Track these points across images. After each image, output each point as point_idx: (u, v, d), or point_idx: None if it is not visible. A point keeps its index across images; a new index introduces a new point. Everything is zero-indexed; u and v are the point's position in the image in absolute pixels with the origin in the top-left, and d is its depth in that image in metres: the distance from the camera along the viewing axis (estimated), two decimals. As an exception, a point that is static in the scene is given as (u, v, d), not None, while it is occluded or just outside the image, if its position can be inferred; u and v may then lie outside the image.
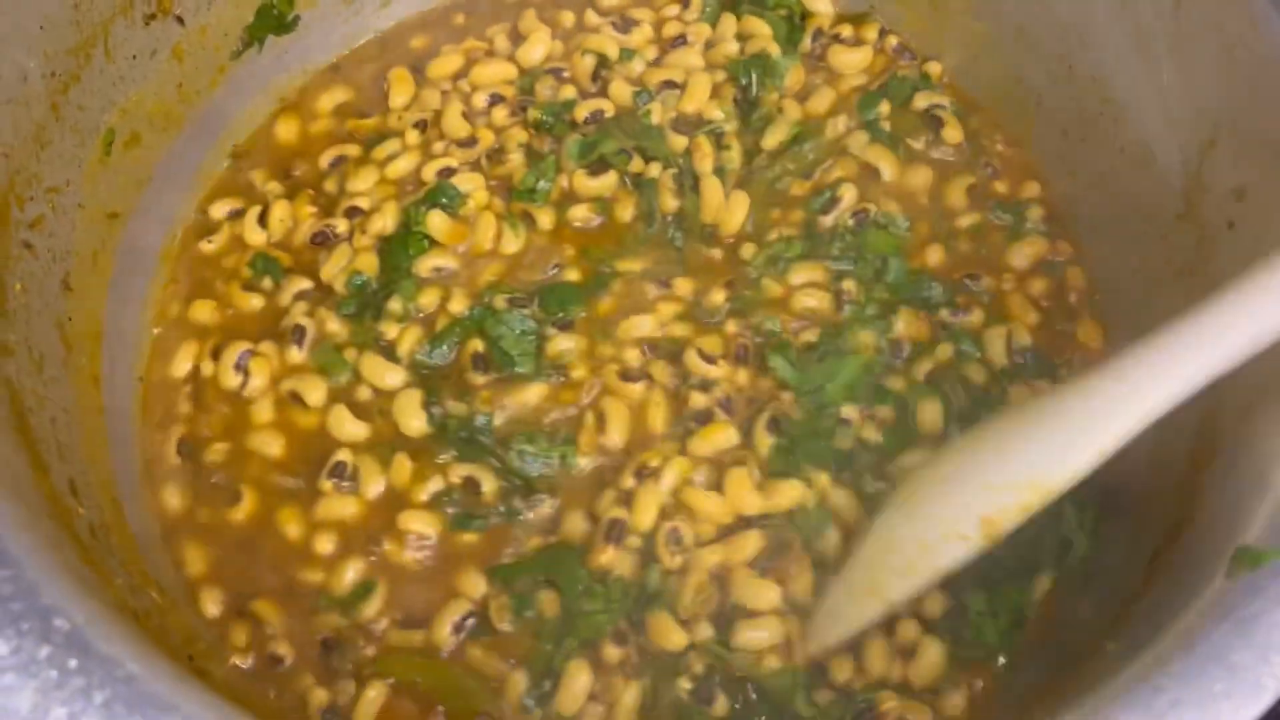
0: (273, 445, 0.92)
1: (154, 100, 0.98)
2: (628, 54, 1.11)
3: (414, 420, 0.92)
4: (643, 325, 0.97)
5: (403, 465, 0.90)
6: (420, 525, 0.88)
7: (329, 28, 1.13)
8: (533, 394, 0.94)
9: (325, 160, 1.06)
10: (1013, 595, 0.88)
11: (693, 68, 1.10)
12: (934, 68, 1.11)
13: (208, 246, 1.03)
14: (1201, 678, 0.60)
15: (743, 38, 1.12)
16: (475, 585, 0.86)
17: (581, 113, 1.06)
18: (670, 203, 1.02)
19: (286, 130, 1.10)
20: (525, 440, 0.91)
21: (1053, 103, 1.04)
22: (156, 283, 1.01)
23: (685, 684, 0.83)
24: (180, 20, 0.99)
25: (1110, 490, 0.92)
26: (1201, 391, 0.71)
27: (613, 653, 0.83)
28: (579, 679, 0.82)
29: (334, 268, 0.99)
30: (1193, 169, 0.89)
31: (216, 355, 0.96)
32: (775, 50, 1.11)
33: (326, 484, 0.90)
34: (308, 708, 0.82)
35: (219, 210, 1.05)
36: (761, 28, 1.12)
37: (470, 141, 1.06)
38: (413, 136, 1.07)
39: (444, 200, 1.01)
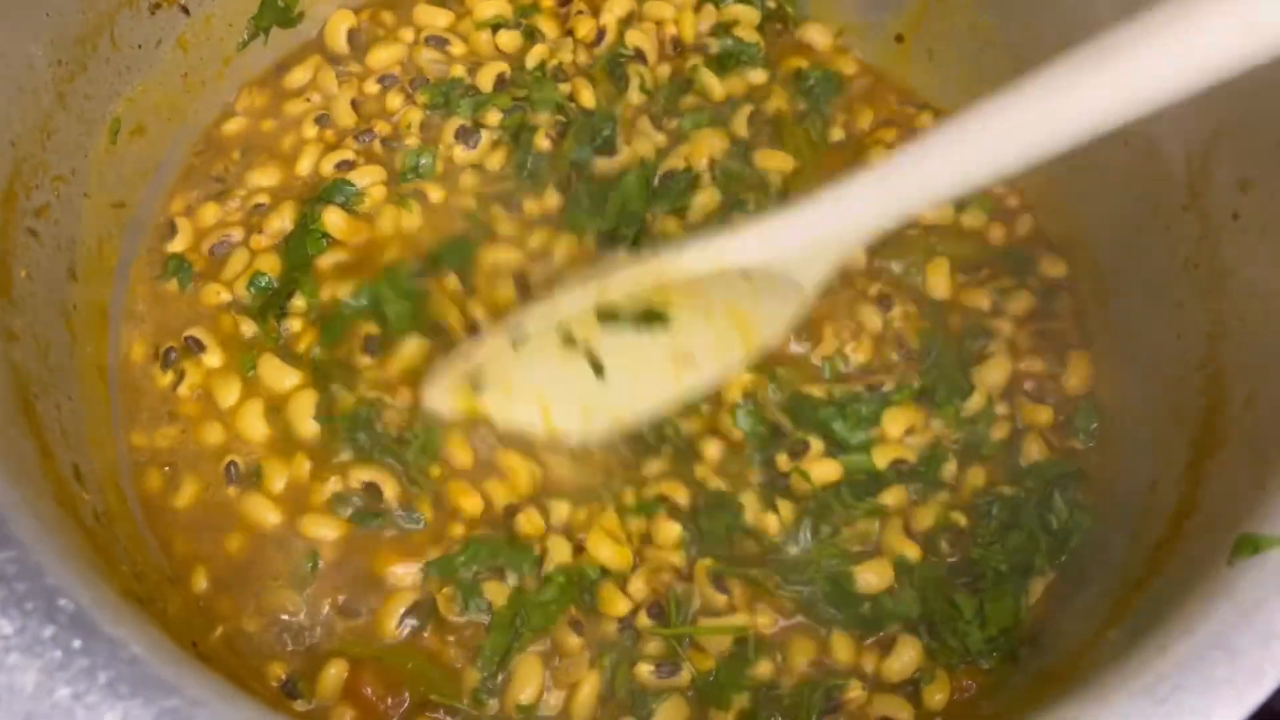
0: (213, 434, 0.92)
1: (159, 90, 0.99)
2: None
3: (304, 423, 0.91)
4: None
5: (301, 465, 0.90)
6: (321, 529, 0.88)
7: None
8: (413, 349, 0.94)
9: (236, 154, 1.06)
10: (1006, 603, 0.88)
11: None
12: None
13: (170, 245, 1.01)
14: (1203, 663, 0.60)
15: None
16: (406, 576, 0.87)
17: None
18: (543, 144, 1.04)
19: (233, 123, 1.08)
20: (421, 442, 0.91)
21: (1057, 95, 1.04)
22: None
23: (646, 667, 0.84)
24: (185, 10, 0.99)
25: (1111, 479, 0.92)
26: (1206, 378, 0.71)
27: (571, 641, 0.84)
28: (533, 671, 0.83)
29: (232, 271, 0.98)
30: (1197, 161, 0.89)
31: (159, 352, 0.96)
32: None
33: (230, 489, 0.90)
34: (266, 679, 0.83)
35: (178, 205, 1.03)
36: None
37: (366, 133, 1.05)
38: (310, 130, 1.06)
39: (340, 199, 1.01)
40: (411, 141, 1.04)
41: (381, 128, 1.05)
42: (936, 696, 0.85)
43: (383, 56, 1.09)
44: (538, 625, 0.84)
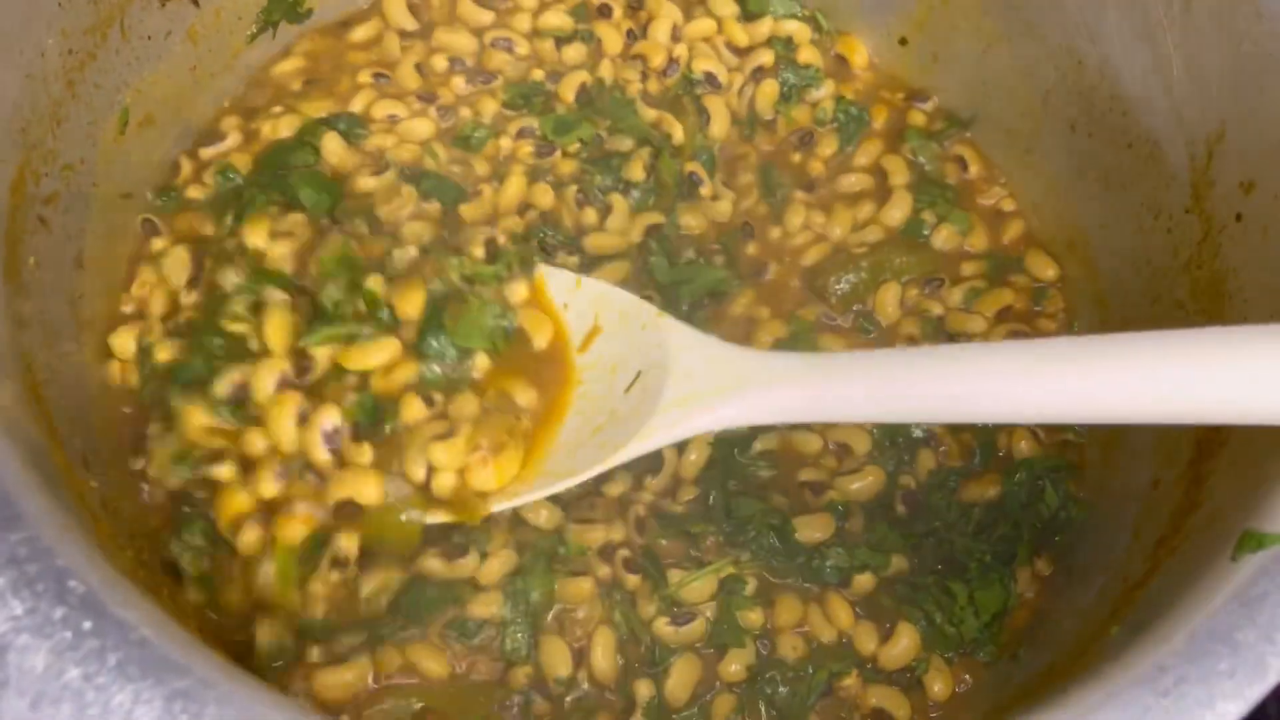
0: None
1: (168, 82, 0.99)
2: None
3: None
4: None
5: None
6: None
7: (343, 8, 1.13)
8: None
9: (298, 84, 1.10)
10: (994, 590, 0.89)
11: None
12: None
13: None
14: (1206, 656, 0.60)
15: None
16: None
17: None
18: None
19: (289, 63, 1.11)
20: None
21: (1061, 97, 1.04)
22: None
23: (663, 620, 0.87)
24: (195, 2, 0.99)
25: (1112, 478, 0.93)
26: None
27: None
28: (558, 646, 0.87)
29: (211, 170, 1.01)
30: (1200, 163, 0.90)
31: None
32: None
33: None
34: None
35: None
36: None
37: (429, 95, 1.08)
38: (365, 77, 1.08)
39: (342, 127, 1.03)
40: (475, 118, 1.07)
41: (446, 97, 1.08)
42: (937, 685, 0.86)
43: (453, 41, 1.11)
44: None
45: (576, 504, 0.92)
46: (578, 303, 0.93)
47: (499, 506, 0.84)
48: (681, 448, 0.93)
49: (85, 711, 0.54)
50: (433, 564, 0.87)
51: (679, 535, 0.91)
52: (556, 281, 0.94)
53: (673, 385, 0.83)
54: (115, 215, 0.94)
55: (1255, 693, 0.59)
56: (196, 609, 0.83)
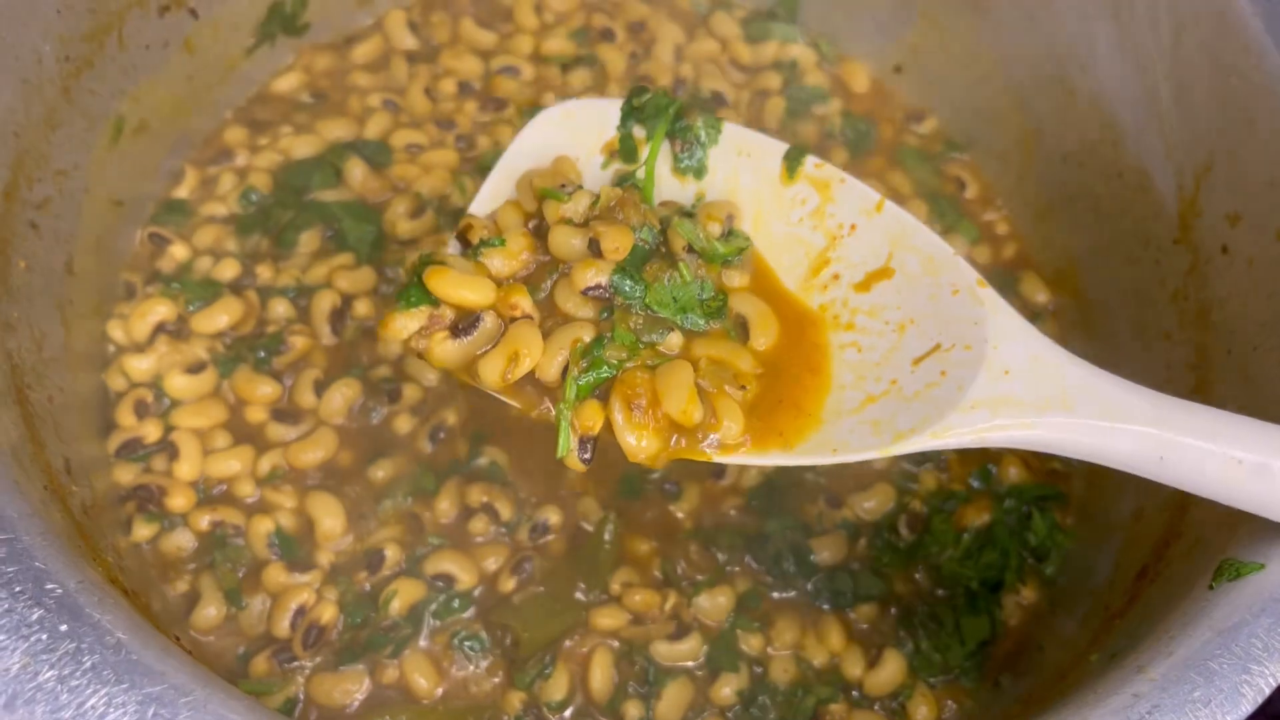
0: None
1: (164, 91, 0.99)
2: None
3: None
4: None
5: None
6: None
7: (339, 24, 1.14)
8: None
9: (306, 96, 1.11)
10: (980, 618, 0.89)
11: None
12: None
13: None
14: (1180, 684, 0.61)
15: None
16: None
17: None
18: None
19: (291, 78, 1.12)
20: None
21: (1054, 128, 1.05)
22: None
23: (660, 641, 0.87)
24: (194, 13, 0.99)
25: (1096, 509, 0.93)
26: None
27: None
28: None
29: (225, 186, 1.02)
30: (1188, 194, 0.90)
31: None
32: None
33: None
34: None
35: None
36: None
37: (448, 123, 1.09)
38: (375, 100, 1.10)
39: (366, 153, 1.05)
40: (495, 148, 1.07)
41: (463, 125, 1.09)
42: (921, 710, 0.86)
43: (460, 65, 1.12)
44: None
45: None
46: (871, 231, 0.78)
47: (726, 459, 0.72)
48: None
49: (59, 714, 0.54)
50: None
51: (710, 544, 0.92)
52: (850, 196, 0.80)
53: (985, 378, 0.69)
54: (107, 222, 0.94)
55: (1228, 722, 0.59)
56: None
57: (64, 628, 0.57)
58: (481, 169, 1.05)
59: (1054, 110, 1.05)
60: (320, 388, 0.93)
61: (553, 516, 0.91)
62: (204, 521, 0.88)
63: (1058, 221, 1.06)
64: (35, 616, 0.57)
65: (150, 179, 1.01)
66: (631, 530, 0.91)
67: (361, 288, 0.97)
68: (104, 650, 0.56)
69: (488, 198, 0.81)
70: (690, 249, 0.74)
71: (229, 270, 0.97)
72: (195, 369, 0.92)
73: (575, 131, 0.83)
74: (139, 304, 0.95)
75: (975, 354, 0.71)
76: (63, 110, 0.87)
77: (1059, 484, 0.96)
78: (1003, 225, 1.10)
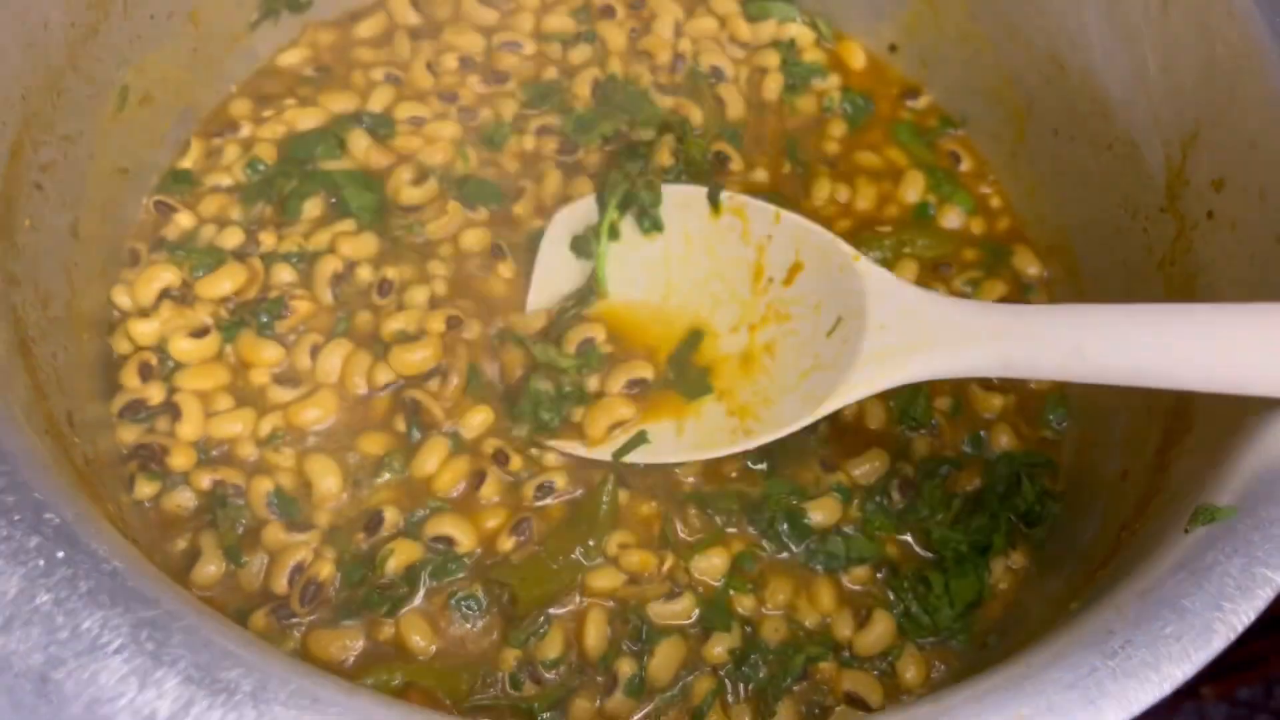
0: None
1: (169, 62, 1.01)
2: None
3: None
4: None
5: None
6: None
7: (343, 0, 1.16)
8: None
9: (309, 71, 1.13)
10: (969, 580, 0.90)
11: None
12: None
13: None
14: (1153, 621, 0.62)
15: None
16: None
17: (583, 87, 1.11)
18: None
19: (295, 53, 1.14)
20: None
21: (1045, 102, 1.06)
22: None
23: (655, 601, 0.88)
24: (198, -15, 1.02)
25: (1084, 473, 0.94)
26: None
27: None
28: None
29: (230, 156, 1.04)
30: (1175, 163, 0.91)
31: None
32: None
33: None
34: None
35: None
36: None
37: (449, 95, 1.11)
38: (378, 75, 1.11)
39: (368, 124, 1.07)
40: (497, 119, 1.09)
41: (466, 98, 1.10)
42: (910, 672, 0.87)
43: (461, 40, 1.14)
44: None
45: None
46: (780, 236, 0.93)
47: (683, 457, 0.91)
48: None
49: (55, 635, 0.55)
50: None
51: (708, 507, 0.93)
52: (758, 214, 0.95)
53: (870, 338, 0.83)
54: (112, 189, 0.96)
55: (1202, 657, 0.61)
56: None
57: (60, 554, 0.58)
58: (484, 139, 1.07)
59: (1045, 86, 1.06)
60: (317, 351, 0.95)
61: (559, 479, 0.92)
62: (205, 481, 0.89)
63: (1050, 195, 1.07)
64: (33, 544, 0.58)
65: (156, 148, 1.02)
66: (633, 493, 0.92)
67: (364, 253, 0.99)
68: (99, 576, 0.58)
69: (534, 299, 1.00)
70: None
71: (233, 238, 0.99)
72: (199, 333, 0.94)
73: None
74: (144, 270, 0.96)
75: (860, 319, 0.85)
76: (68, 76, 0.88)
77: (1048, 451, 0.97)
78: (996, 199, 1.12)
